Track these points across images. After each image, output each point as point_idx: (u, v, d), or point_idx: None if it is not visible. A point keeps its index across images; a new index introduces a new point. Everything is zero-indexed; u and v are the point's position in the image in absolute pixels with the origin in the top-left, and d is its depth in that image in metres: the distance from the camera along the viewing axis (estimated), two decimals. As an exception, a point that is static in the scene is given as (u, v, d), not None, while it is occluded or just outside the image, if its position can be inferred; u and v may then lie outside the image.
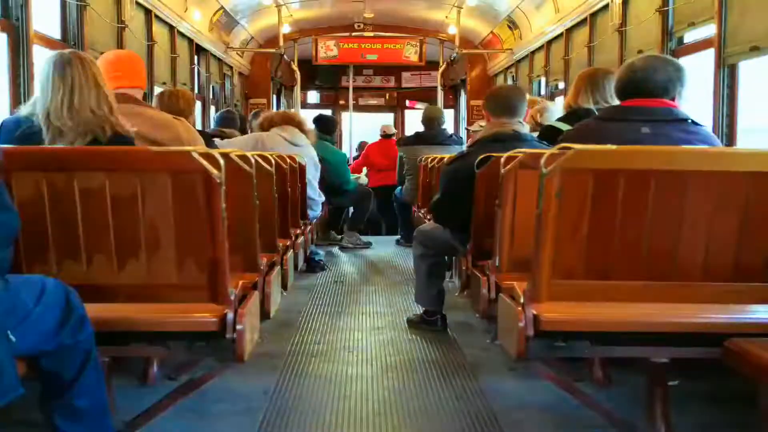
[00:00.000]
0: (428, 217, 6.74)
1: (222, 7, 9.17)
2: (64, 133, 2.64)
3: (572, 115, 3.96)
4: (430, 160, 6.61)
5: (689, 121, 2.93)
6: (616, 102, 4.09)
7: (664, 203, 2.45)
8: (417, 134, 7.85)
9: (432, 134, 7.58)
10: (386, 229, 9.93)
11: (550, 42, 8.57)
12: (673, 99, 2.93)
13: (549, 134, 3.95)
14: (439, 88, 11.86)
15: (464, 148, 7.26)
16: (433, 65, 11.93)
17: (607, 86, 4.04)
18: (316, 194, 5.99)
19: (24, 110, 2.73)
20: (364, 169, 9.05)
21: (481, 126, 8.96)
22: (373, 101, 15.57)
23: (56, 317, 2.10)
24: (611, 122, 2.94)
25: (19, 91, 4.60)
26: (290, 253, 4.32)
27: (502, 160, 3.02)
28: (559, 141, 3.13)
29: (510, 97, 3.92)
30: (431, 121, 7.68)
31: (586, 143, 2.75)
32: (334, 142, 8.23)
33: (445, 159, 3.82)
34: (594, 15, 7.08)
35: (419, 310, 4.71)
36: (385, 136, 8.95)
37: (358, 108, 14.60)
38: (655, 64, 2.98)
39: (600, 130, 2.90)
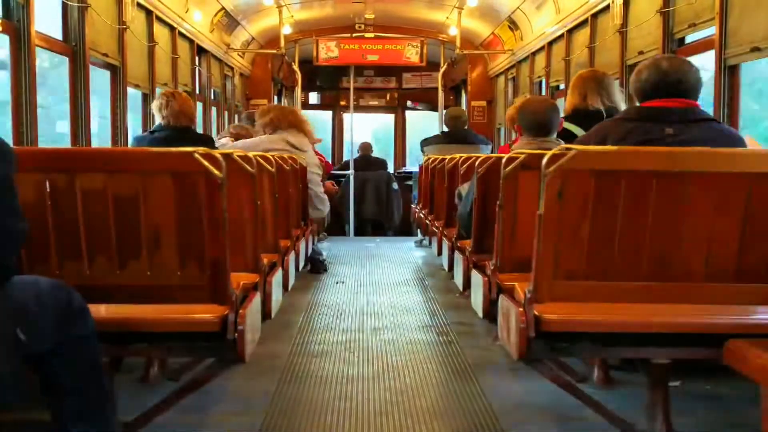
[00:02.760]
0: (425, 215, 6.75)
1: (223, 8, 9.17)
2: None
3: (583, 116, 3.95)
4: (431, 161, 6.61)
5: (713, 120, 2.95)
6: (620, 103, 4.10)
7: (665, 204, 2.45)
8: (444, 133, 7.82)
9: (461, 134, 7.53)
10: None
11: (551, 43, 8.57)
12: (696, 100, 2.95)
13: (562, 137, 3.94)
14: (440, 88, 11.86)
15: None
16: (434, 66, 11.92)
17: (611, 88, 4.07)
18: (322, 192, 6.18)
19: None
20: None
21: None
22: (373, 102, 15.56)
23: (55, 314, 2.09)
24: (634, 122, 2.93)
25: (21, 92, 4.60)
26: (291, 253, 4.32)
27: (504, 160, 3.02)
28: (579, 141, 3.14)
29: (546, 116, 3.85)
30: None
31: (607, 143, 2.77)
32: None
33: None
34: (595, 16, 7.08)
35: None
36: None
37: (359, 109, 14.60)
38: (685, 67, 2.98)
39: (622, 131, 2.90)
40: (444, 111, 10.02)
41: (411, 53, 11.18)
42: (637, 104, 3.03)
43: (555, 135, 3.85)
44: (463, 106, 13.34)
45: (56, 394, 2.14)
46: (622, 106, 4.11)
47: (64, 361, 2.12)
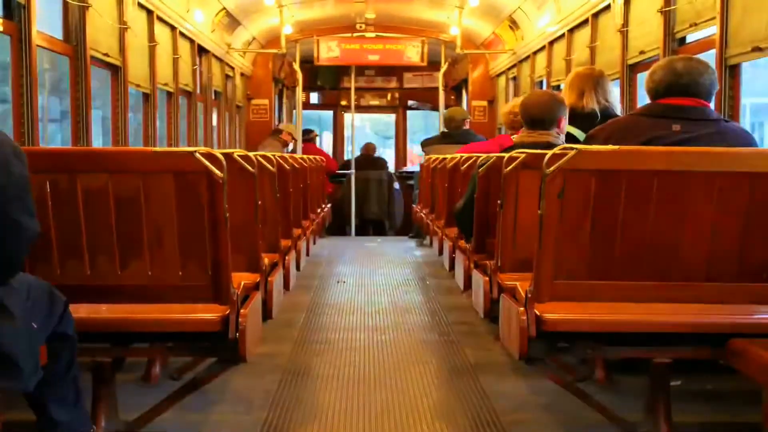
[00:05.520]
0: (426, 215, 6.75)
1: (224, 8, 9.17)
2: None
3: (578, 116, 3.94)
4: (432, 160, 6.62)
5: (722, 120, 3.01)
6: (616, 102, 4.13)
7: (666, 203, 2.45)
8: (444, 134, 7.86)
9: (460, 134, 7.54)
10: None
11: (551, 42, 8.57)
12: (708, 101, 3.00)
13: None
14: (441, 88, 11.85)
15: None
16: (435, 66, 11.91)
17: (607, 86, 4.09)
18: None
19: None
20: None
21: None
22: (374, 102, 15.56)
23: (44, 309, 2.17)
24: (645, 117, 3.02)
25: (22, 91, 4.60)
26: (292, 253, 4.33)
27: (505, 160, 3.02)
28: (590, 134, 3.18)
29: (542, 110, 3.85)
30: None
31: (614, 138, 2.81)
32: None
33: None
34: (596, 15, 7.07)
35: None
36: None
37: (360, 108, 14.60)
38: (699, 68, 3.02)
39: (631, 126, 2.98)
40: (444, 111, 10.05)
41: (412, 53, 11.16)
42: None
43: (554, 129, 3.81)
44: (464, 105, 13.32)
45: (48, 382, 2.21)
46: (618, 105, 4.15)
47: (55, 351, 2.21)
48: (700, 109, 2.96)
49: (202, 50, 8.88)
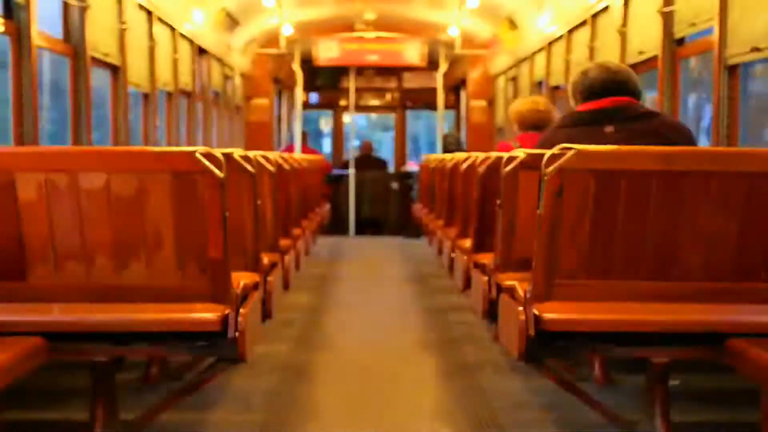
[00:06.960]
0: (425, 214, 6.75)
1: (223, 8, 9.18)
2: None
3: None
4: (431, 160, 6.62)
5: (657, 114, 3.09)
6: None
7: (665, 203, 2.46)
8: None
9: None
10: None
11: (551, 43, 8.57)
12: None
13: None
14: (440, 88, 11.85)
15: None
16: (434, 66, 11.92)
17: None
18: None
19: None
20: None
21: None
22: (374, 101, 15.56)
23: None
24: (576, 128, 3.03)
25: (22, 92, 4.60)
26: (292, 252, 4.33)
27: (504, 160, 3.02)
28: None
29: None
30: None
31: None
32: None
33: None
34: (595, 16, 7.08)
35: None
36: None
37: (359, 108, 14.61)
38: (629, 69, 3.14)
39: (566, 137, 2.92)
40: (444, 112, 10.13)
41: (411, 53, 11.17)
42: (575, 109, 3.13)
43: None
44: (463, 105, 13.35)
45: None
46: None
47: None
48: (629, 107, 3.01)
49: (201, 50, 8.89)
